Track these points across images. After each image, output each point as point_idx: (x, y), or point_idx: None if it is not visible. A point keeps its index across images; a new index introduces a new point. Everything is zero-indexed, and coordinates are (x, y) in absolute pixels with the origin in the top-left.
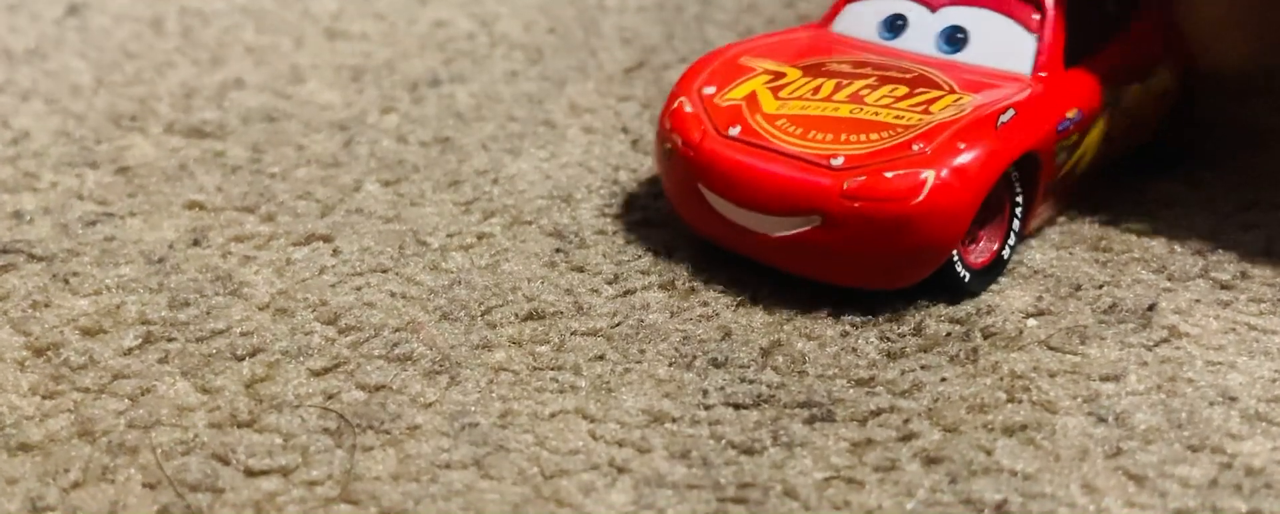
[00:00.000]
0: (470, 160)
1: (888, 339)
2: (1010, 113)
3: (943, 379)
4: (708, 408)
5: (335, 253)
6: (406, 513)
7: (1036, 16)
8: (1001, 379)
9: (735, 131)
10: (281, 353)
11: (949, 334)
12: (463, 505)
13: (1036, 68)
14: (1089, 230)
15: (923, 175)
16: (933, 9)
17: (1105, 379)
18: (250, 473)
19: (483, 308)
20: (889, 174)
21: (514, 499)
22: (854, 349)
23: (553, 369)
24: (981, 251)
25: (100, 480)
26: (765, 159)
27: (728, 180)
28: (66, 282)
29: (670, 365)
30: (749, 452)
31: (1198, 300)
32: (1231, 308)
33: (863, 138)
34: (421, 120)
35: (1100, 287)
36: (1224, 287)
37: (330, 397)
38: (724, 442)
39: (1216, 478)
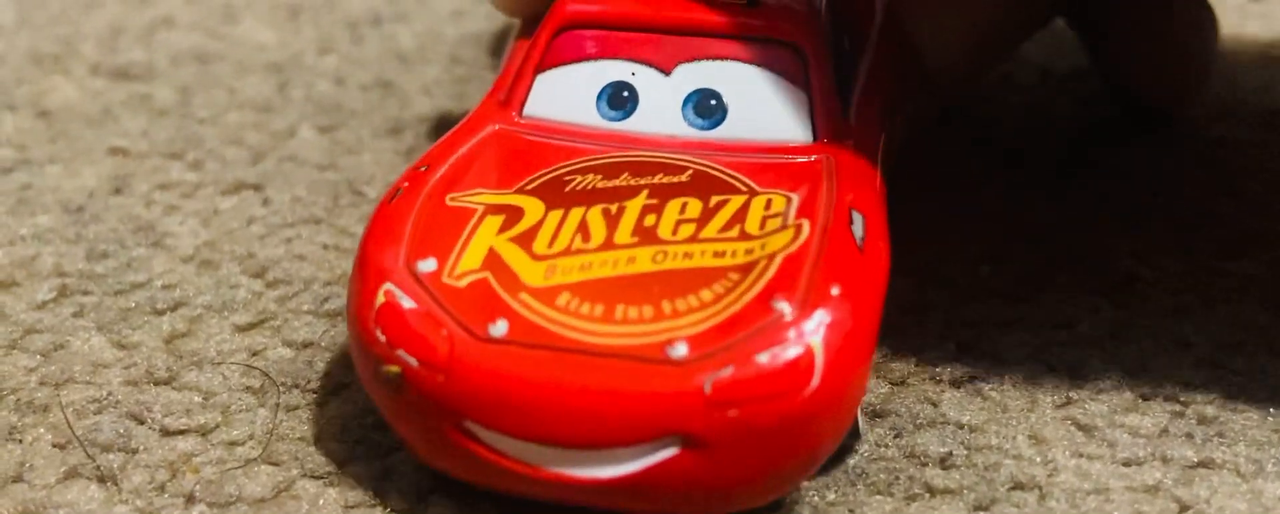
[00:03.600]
0: (412, 106)
1: None
2: (858, 217)
3: (892, 331)
4: None
5: (265, 202)
6: (331, 475)
7: (797, 63)
8: (952, 329)
9: (500, 329)
10: (204, 307)
11: (899, 285)
12: (389, 467)
13: (820, 130)
14: (1043, 173)
15: (806, 348)
16: (665, 71)
17: (1058, 326)
18: (166, 432)
19: None
20: (762, 358)
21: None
22: None
23: None
24: None
25: (7, 440)
26: (567, 366)
27: (511, 409)
28: None
29: None
30: None
31: (1156, 243)
32: (1190, 252)
33: (694, 301)
34: (361, 62)
35: (1055, 230)
36: (1185, 228)
37: (255, 353)
38: None
39: (1167, 426)
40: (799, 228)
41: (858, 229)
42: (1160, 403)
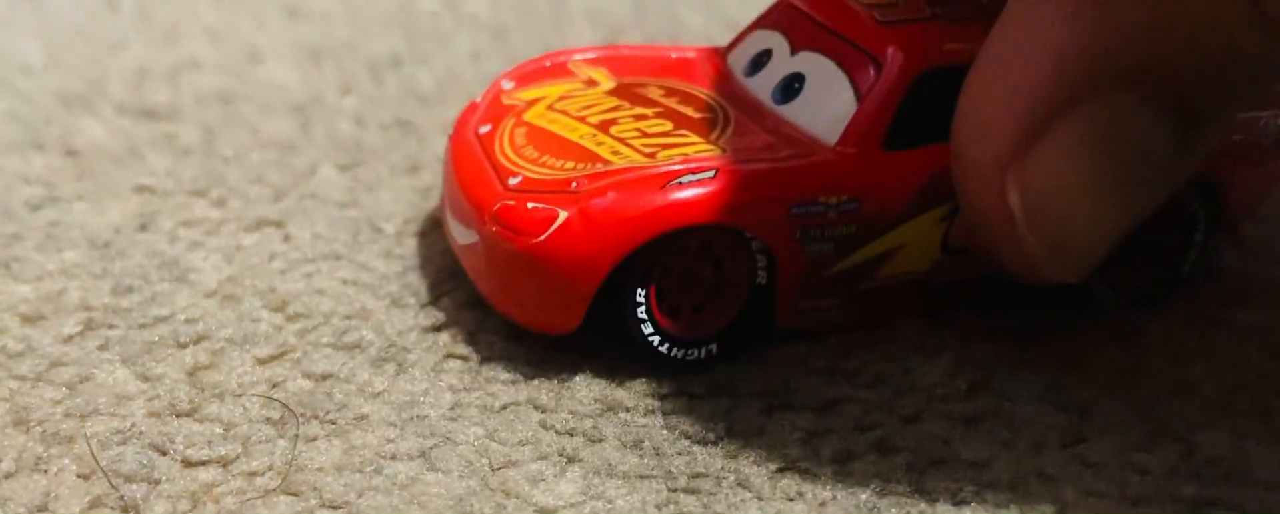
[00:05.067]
0: (430, 144)
1: (849, 330)
2: (703, 175)
3: (905, 370)
4: (662, 397)
5: (287, 239)
6: (349, 505)
7: (872, 76)
8: (963, 369)
9: (485, 129)
10: (226, 340)
11: (912, 326)
12: (407, 498)
13: (843, 138)
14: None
15: (557, 213)
16: (793, 50)
17: (1068, 369)
18: (188, 463)
19: (436, 294)
20: (531, 205)
21: (459, 492)
22: (815, 338)
23: (505, 359)
24: (693, 327)
25: (33, 471)
26: (473, 163)
27: (447, 172)
28: (7, 267)
29: (624, 354)
30: (702, 442)
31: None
32: (1195, 301)
33: (559, 163)
34: (381, 102)
35: None
36: (1188, 280)
37: (275, 385)
38: (677, 431)
39: (1176, 466)
40: (674, 162)
41: (686, 179)
42: (1169, 443)
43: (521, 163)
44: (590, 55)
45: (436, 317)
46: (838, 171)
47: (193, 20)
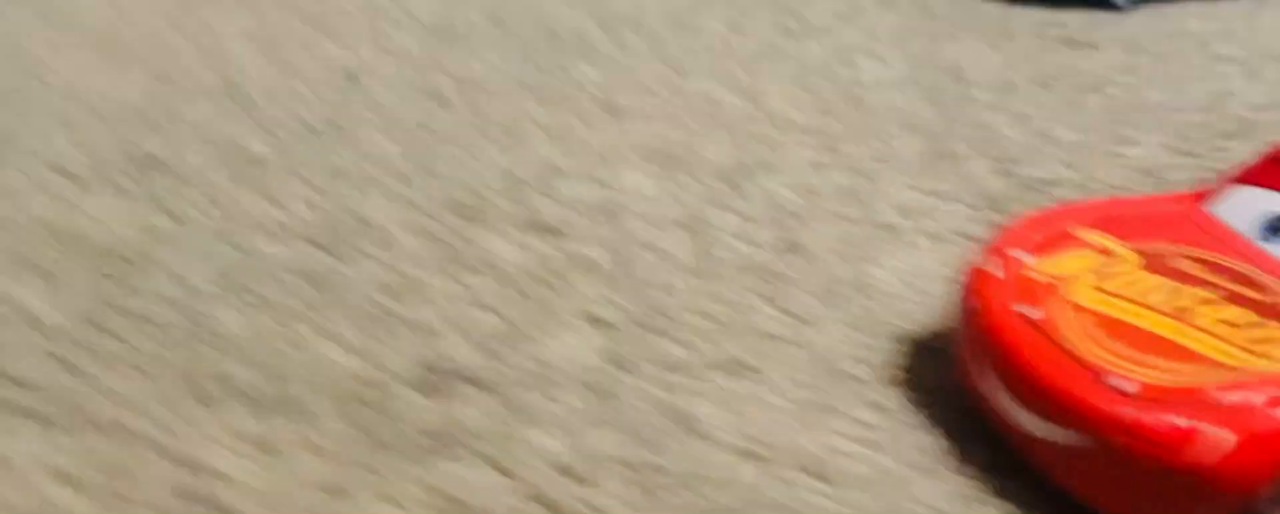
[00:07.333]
0: (828, 268)
1: None
2: None
3: None
4: None
5: (762, 382)
6: None
7: None
8: None
9: (1034, 312)
10: (770, 508)
11: None
12: None
13: None
14: None
15: (1211, 431)
16: None
17: None
18: None
19: (957, 459)
20: (1174, 419)
21: None
22: None
23: None
24: None
25: None
26: (1044, 352)
27: (993, 352)
28: (524, 413)
29: None
30: None
31: None
32: None
33: (1168, 367)
34: (757, 220)
35: None
36: None
37: None
38: None
39: None
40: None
41: None
42: None
43: (1119, 362)
44: (1082, 215)
45: (972, 484)
46: None
47: (523, 116)
